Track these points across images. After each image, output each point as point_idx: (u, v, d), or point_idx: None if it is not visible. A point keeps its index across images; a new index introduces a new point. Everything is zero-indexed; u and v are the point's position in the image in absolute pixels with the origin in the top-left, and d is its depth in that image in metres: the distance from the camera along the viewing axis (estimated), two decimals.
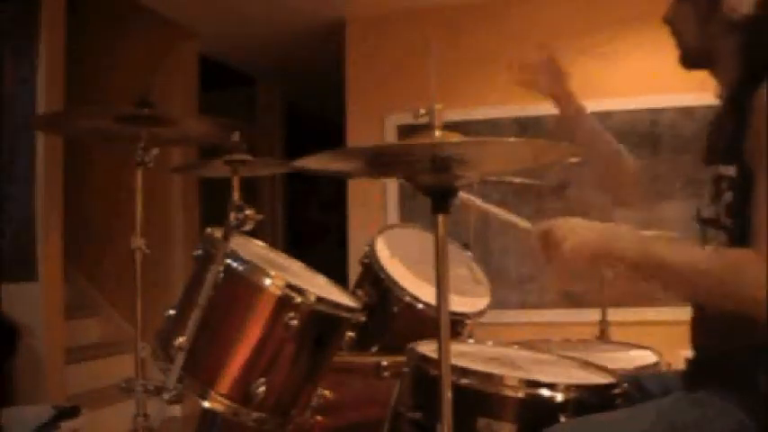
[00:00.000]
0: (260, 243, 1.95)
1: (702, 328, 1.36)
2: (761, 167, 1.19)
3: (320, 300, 1.59)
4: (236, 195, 1.90)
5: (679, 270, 1.21)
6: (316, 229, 6.60)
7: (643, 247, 1.25)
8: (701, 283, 1.20)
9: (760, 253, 1.15)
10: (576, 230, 1.28)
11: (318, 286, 1.77)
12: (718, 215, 1.30)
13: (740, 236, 1.23)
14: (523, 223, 1.57)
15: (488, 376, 1.29)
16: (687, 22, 1.38)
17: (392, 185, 4.22)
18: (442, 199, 1.12)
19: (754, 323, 1.19)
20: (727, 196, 1.27)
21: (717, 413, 1.20)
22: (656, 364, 1.97)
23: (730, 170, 1.26)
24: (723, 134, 1.33)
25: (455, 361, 1.24)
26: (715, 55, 1.36)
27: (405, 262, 2.08)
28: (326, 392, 1.69)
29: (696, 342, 1.38)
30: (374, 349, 2.01)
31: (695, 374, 1.34)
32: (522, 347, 1.69)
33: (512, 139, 1.05)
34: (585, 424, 1.20)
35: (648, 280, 1.27)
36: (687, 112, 3.68)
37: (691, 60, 1.41)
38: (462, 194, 1.14)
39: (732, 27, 1.30)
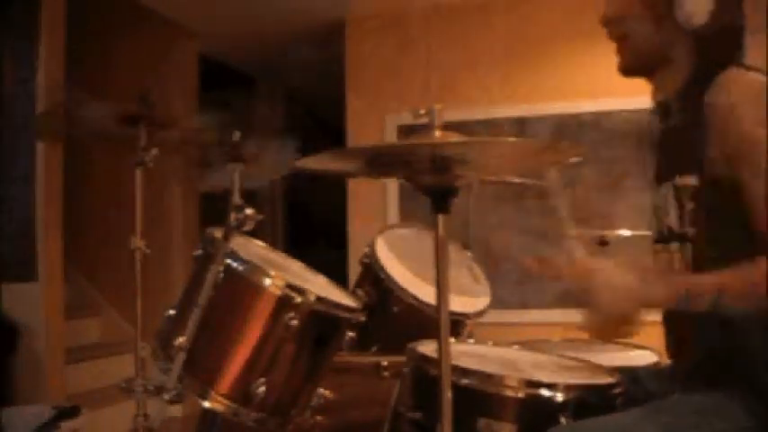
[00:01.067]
0: (260, 243, 1.95)
1: (700, 331, 1.36)
2: (744, 169, 1.18)
3: (320, 300, 1.59)
4: (236, 195, 1.90)
5: (710, 298, 1.19)
6: (316, 230, 6.60)
7: (673, 290, 1.23)
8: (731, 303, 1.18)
9: None
10: (611, 287, 1.24)
11: (318, 286, 1.77)
12: (683, 228, 1.31)
13: (703, 245, 1.25)
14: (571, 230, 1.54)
15: (488, 376, 1.28)
16: (640, 22, 1.34)
17: (392, 185, 4.22)
18: (442, 199, 1.12)
19: (755, 324, 1.19)
20: (690, 205, 1.28)
21: (717, 415, 1.20)
22: (656, 364, 1.96)
23: (693, 180, 1.27)
24: (679, 144, 1.33)
25: (455, 361, 1.24)
26: (668, 58, 1.34)
27: (405, 262, 2.08)
28: (326, 392, 1.69)
29: (693, 344, 1.37)
30: (374, 349, 2.01)
31: (695, 376, 1.34)
32: (522, 347, 1.69)
33: (512, 139, 1.05)
34: (585, 427, 1.20)
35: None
36: None
37: (639, 65, 1.37)
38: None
39: (686, 32, 1.29)
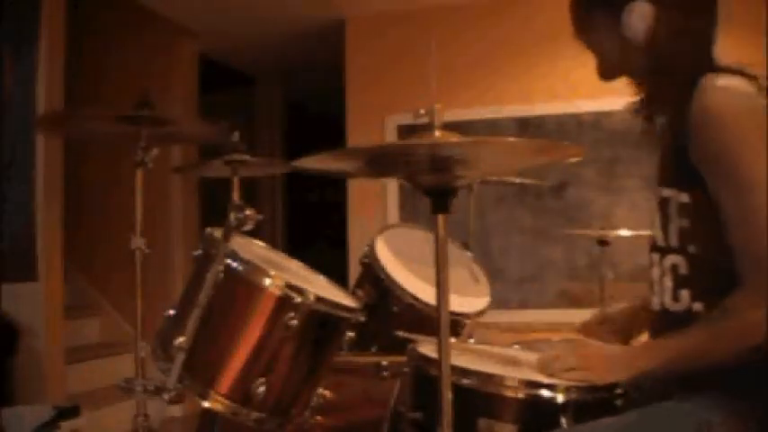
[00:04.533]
0: (260, 243, 1.95)
1: None
2: (722, 191, 1.20)
3: (320, 300, 1.59)
4: (236, 195, 1.90)
5: (700, 355, 1.21)
6: (316, 230, 6.60)
7: (662, 355, 1.26)
8: (721, 353, 1.20)
9: (752, 288, 1.16)
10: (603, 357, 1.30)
11: (318, 286, 1.77)
12: (668, 241, 1.31)
13: (705, 261, 1.25)
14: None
15: (489, 376, 1.28)
16: (599, 35, 1.40)
17: (392, 185, 4.22)
18: (441, 199, 1.12)
19: None
20: (682, 222, 1.28)
21: (720, 420, 1.20)
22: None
23: (682, 196, 1.27)
24: (664, 155, 1.35)
25: (455, 361, 1.24)
26: (629, 69, 1.40)
27: (405, 262, 2.08)
28: (326, 392, 1.69)
29: None
30: (374, 349, 2.01)
31: (697, 380, 1.34)
32: (522, 347, 1.69)
33: (512, 139, 1.05)
34: (583, 430, 1.20)
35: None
36: None
37: (608, 72, 1.44)
38: None
39: (641, 48, 1.33)
